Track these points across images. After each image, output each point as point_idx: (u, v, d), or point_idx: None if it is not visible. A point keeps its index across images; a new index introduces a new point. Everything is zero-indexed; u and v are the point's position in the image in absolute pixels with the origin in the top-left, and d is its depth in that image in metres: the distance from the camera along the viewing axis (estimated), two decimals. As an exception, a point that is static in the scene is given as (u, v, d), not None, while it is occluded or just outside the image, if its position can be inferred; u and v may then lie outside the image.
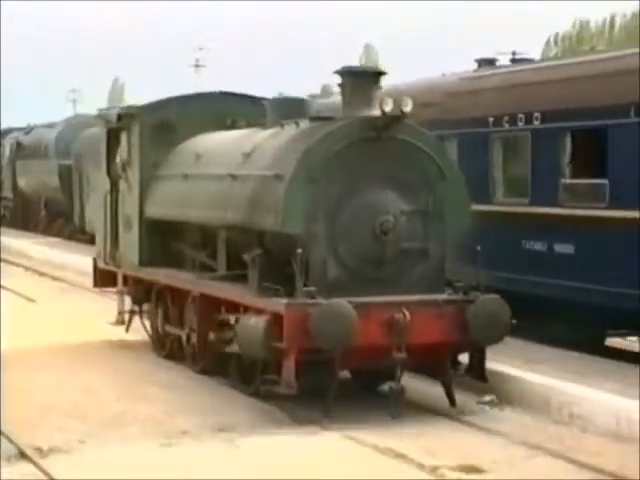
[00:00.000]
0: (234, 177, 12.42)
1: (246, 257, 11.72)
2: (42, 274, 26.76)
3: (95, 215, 17.15)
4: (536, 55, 30.36)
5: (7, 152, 42.34)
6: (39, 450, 9.83)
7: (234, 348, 12.04)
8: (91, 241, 32.79)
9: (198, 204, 13.33)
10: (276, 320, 10.78)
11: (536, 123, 13.97)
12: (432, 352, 11.31)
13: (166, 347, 14.64)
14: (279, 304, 10.80)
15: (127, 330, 16.25)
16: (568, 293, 10.81)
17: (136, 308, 15.95)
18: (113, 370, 13.78)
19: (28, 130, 41.76)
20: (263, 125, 13.43)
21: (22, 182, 40.44)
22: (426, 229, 11.54)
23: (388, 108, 11.10)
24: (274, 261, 11.57)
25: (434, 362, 11.50)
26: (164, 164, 14.80)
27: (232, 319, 12.14)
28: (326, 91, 28.57)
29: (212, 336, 12.85)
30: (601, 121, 12.91)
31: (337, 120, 11.57)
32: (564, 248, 12.87)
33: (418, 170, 11.56)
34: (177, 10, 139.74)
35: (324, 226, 11.21)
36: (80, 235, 32.67)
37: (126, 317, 16.25)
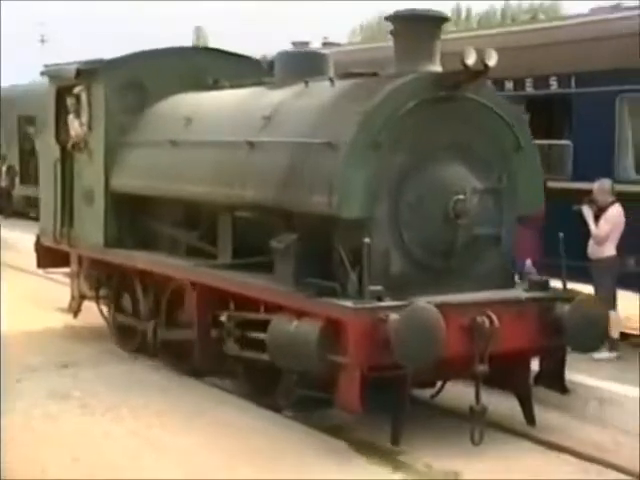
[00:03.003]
0: (252, 145, 9.07)
1: (275, 244, 8.46)
2: None
3: (41, 186, 13.33)
4: (343, 41, 32.00)
5: None
6: None
7: (253, 354, 8.87)
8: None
9: (194, 177, 9.93)
10: (330, 326, 7.60)
11: None
12: (513, 361, 8.30)
13: (135, 341, 11.30)
14: (342, 307, 7.59)
15: (76, 316, 12.92)
16: None
17: (90, 293, 12.52)
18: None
19: None
20: (260, 84, 10.19)
21: None
22: (499, 211, 8.49)
23: (471, 61, 7.91)
24: (307, 250, 8.37)
25: (512, 372, 8.48)
26: (135, 128, 11.30)
27: (252, 317, 8.96)
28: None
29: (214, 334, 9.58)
30: None
31: (400, 76, 8.30)
32: None
33: (493, 139, 8.48)
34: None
35: (387, 208, 8.04)
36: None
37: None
